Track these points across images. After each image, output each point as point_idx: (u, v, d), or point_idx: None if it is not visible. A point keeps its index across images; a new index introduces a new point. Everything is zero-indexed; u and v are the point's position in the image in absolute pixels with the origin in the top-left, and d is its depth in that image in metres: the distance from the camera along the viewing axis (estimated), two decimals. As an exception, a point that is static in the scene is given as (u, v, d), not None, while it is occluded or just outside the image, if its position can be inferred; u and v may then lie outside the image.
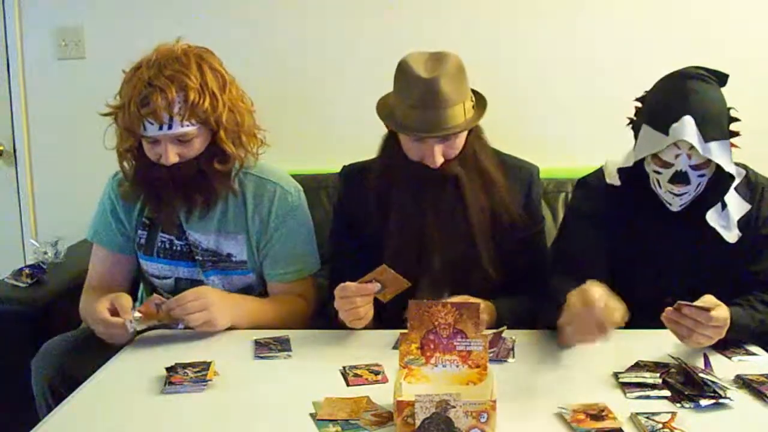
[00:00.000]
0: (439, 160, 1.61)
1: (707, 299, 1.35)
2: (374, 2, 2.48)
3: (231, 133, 1.66)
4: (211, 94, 1.60)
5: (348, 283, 1.51)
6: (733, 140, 1.51)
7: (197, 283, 1.72)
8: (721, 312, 1.34)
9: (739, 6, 2.39)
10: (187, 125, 1.59)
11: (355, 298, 1.50)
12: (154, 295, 1.59)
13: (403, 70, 1.62)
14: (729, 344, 1.44)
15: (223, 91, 1.64)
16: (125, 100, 1.58)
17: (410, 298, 1.55)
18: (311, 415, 1.20)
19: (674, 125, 1.45)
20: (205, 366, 1.36)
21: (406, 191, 1.67)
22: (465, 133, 1.66)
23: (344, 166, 1.87)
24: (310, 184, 2.14)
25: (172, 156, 1.60)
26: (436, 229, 1.66)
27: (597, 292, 1.28)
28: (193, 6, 2.51)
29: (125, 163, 1.70)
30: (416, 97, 1.58)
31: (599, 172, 1.72)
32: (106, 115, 1.64)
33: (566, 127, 2.45)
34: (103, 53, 2.55)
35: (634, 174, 1.60)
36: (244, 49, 2.49)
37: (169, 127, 1.57)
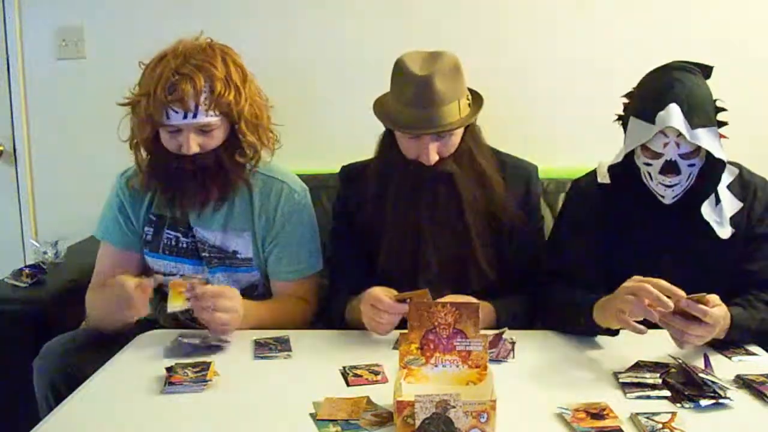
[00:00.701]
0: (434, 157, 1.62)
1: (711, 298, 1.34)
2: (375, 2, 2.47)
3: (251, 126, 1.68)
4: (235, 87, 1.63)
5: (382, 296, 1.48)
6: (721, 131, 1.52)
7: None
8: (718, 311, 1.34)
9: (738, 7, 2.39)
10: (211, 115, 1.61)
11: (385, 313, 1.48)
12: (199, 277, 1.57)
13: (398, 69, 1.63)
14: (729, 344, 1.44)
15: (245, 85, 1.67)
16: (150, 88, 1.59)
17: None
18: (311, 415, 1.19)
19: (660, 113, 1.47)
20: (205, 366, 1.36)
21: (402, 189, 1.67)
22: (460, 131, 1.66)
23: (343, 167, 1.87)
24: (310, 184, 2.13)
25: (193, 145, 1.61)
26: (431, 227, 1.67)
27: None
28: (193, 6, 2.51)
29: (139, 155, 1.70)
30: (410, 94, 1.59)
31: (592, 174, 1.73)
32: (124, 105, 1.65)
33: (566, 127, 2.45)
34: (103, 53, 2.55)
35: (625, 171, 1.60)
36: (244, 49, 2.46)
37: (194, 116, 1.59)
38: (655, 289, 1.31)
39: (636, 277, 1.37)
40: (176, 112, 1.58)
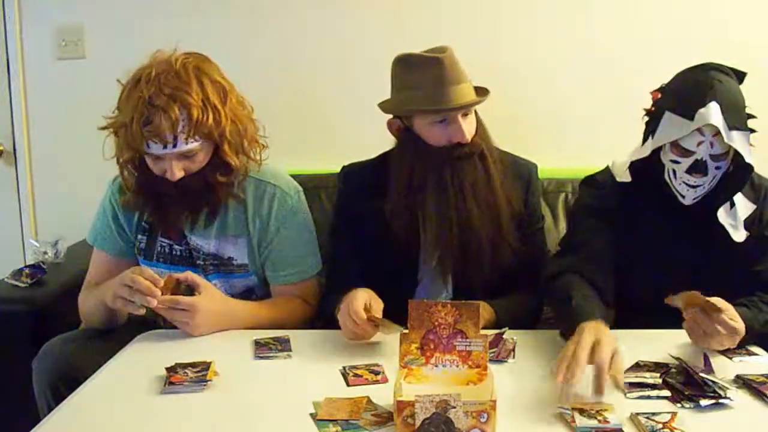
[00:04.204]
0: (468, 134, 1.64)
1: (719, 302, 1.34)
2: (374, 3, 2.48)
3: (234, 144, 1.65)
4: (214, 109, 1.58)
5: (360, 310, 1.45)
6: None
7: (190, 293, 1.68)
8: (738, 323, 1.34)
9: (740, 6, 2.39)
10: (192, 142, 1.57)
11: (362, 327, 1.46)
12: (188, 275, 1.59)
13: (408, 61, 1.65)
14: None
15: (225, 103, 1.61)
16: (126, 119, 1.55)
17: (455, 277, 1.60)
18: (311, 415, 1.19)
19: (701, 110, 1.46)
20: (205, 366, 1.36)
21: (442, 174, 1.66)
22: (474, 113, 1.69)
23: (344, 166, 1.87)
24: (310, 184, 2.14)
25: (177, 172, 1.59)
26: (475, 206, 1.67)
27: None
28: (193, 6, 2.51)
29: (126, 174, 1.68)
30: (434, 76, 1.60)
31: (606, 171, 1.72)
32: (104, 128, 1.63)
33: (566, 127, 2.46)
34: (103, 53, 2.55)
35: (645, 169, 1.60)
36: (244, 50, 2.50)
37: (174, 146, 1.55)
38: None
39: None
40: (155, 143, 1.55)
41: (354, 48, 2.49)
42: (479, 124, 1.71)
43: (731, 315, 1.34)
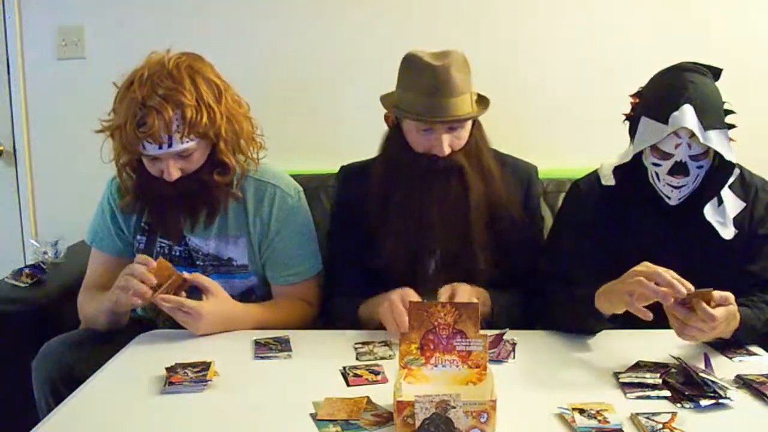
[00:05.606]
0: (447, 149, 1.62)
1: (719, 296, 1.33)
2: (376, 2, 2.48)
3: (230, 142, 1.65)
4: (208, 107, 1.58)
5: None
6: (729, 133, 1.52)
7: (195, 289, 1.66)
8: (721, 312, 1.33)
9: (739, 6, 2.39)
10: (187, 141, 1.57)
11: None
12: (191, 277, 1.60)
13: (411, 61, 1.64)
14: (730, 344, 1.44)
15: (219, 102, 1.61)
16: (121, 121, 1.55)
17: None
18: (311, 415, 1.20)
19: (674, 114, 1.46)
20: (205, 366, 1.36)
21: (412, 183, 1.66)
22: (469, 125, 1.67)
23: (342, 167, 1.87)
24: (310, 184, 2.14)
25: (174, 172, 1.59)
26: (439, 221, 1.66)
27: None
28: (193, 6, 2.51)
29: (125, 176, 1.68)
30: (427, 84, 1.59)
31: (592, 176, 1.72)
32: (100, 131, 1.63)
33: (566, 128, 2.46)
34: (103, 53, 2.55)
35: (630, 172, 1.60)
36: (244, 49, 2.49)
37: (169, 146, 1.56)
38: (666, 274, 1.31)
39: (646, 263, 1.36)
40: (150, 144, 1.55)
41: (354, 48, 2.49)
42: (477, 136, 1.69)
43: (718, 300, 1.32)
